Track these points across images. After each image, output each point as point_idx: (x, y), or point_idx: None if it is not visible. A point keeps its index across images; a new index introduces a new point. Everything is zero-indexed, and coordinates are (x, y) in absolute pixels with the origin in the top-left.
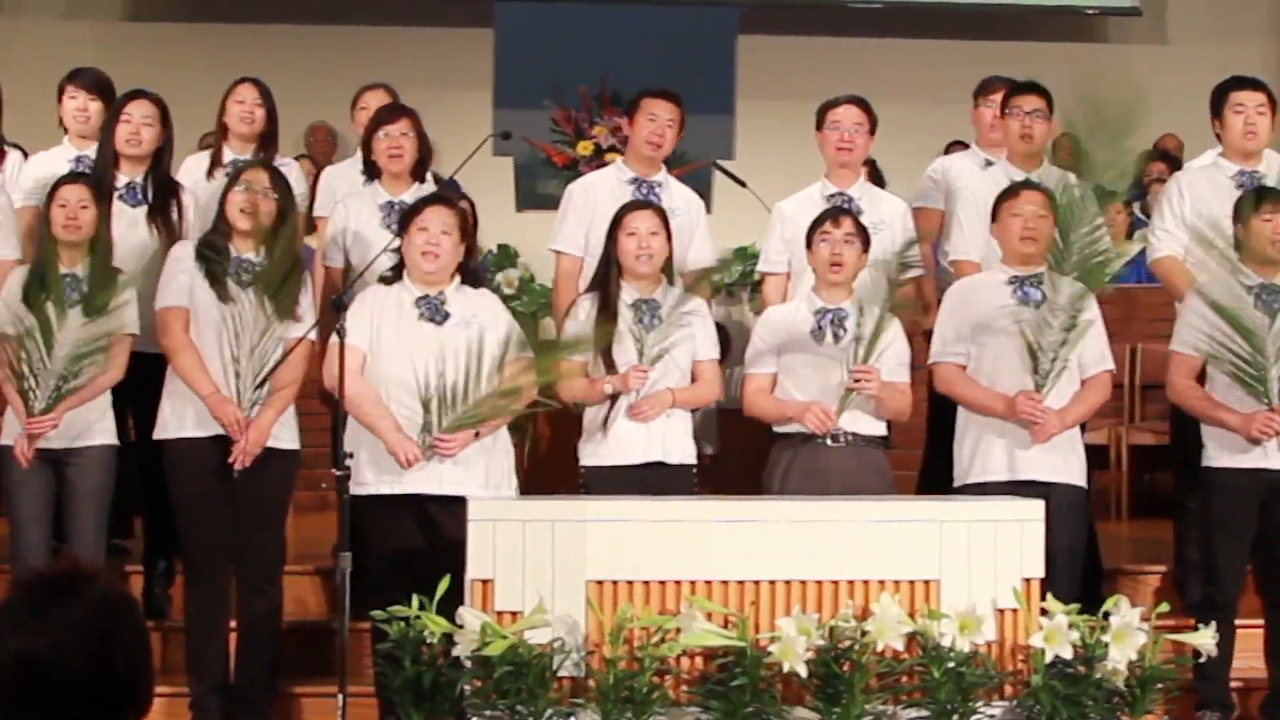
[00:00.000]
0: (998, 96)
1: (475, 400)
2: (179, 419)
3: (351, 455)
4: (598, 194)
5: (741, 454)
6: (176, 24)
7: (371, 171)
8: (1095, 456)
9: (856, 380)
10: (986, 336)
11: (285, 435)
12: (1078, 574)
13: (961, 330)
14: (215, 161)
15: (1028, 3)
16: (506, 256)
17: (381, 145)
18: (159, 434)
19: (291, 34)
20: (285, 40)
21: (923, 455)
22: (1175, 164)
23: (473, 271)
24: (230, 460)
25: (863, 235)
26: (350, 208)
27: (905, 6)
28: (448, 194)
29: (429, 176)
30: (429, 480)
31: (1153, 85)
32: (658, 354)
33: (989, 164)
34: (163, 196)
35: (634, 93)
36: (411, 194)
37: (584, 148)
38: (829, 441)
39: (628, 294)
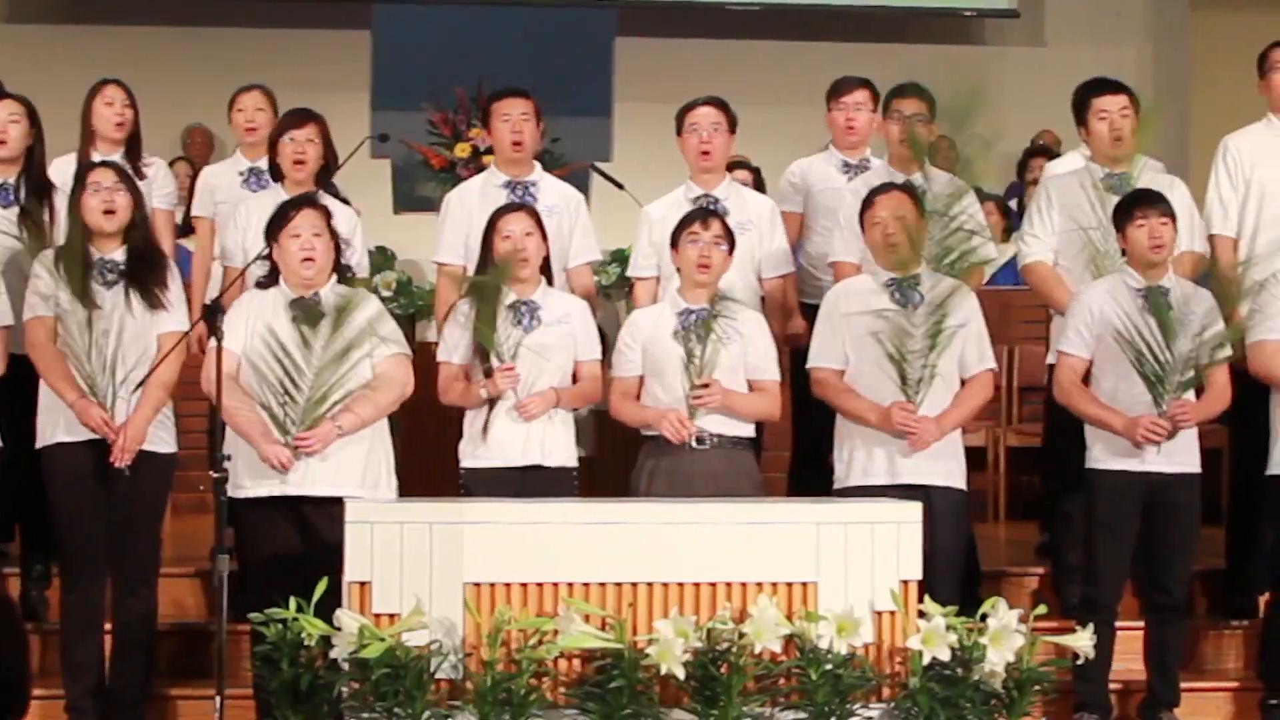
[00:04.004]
0: (849, 99)
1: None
2: (53, 426)
3: (229, 457)
4: (472, 201)
5: (618, 457)
6: (53, 26)
7: (275, 174)
8: (972, 458)
9: (697, 398)
10: (862, 342)
11: (162, 437)
12: (958, 577)
13: (839, 335)
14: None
15: (906, 5)
16: (385, 259)
17: (287, 150)
18: (37, 442)
19: (169, 36)
20: (162, 42)
21: (790, 457)
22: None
23: (345, 269)
24: (111, 461)
25: (729, 238)
26: (252, 210)
27: (782, 9)
28: (310, 195)
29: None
30: (305, 482)
31: (1030, 86)
32: (516, 348)
33: (847, 165)
34: (35, 197)
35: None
36: None
37: (461, 150)
38: (694, 444)
39: (506, 296)
